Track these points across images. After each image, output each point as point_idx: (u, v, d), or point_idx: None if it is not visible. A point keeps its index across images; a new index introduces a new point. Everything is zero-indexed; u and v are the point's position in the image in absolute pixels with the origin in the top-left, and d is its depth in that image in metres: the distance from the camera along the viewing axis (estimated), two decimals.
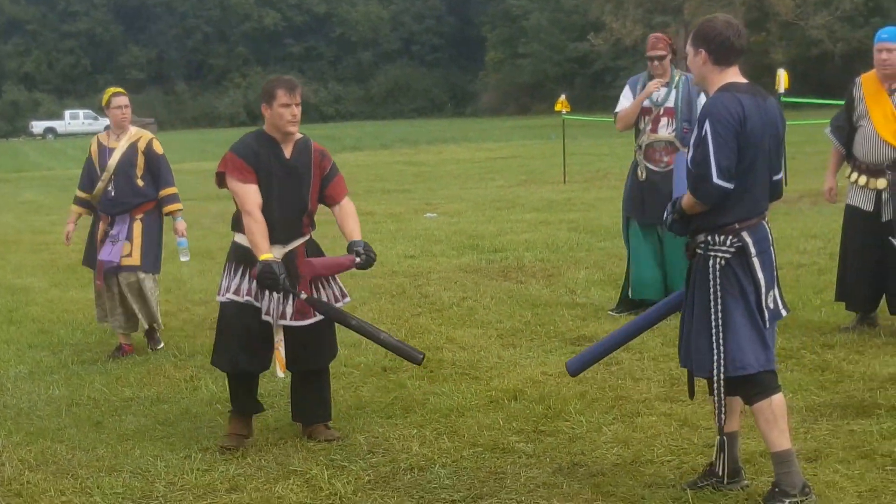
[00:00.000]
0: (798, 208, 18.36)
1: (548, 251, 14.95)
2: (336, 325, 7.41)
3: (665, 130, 10.57)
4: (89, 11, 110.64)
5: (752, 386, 5.82)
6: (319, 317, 7.23)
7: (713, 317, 5.81)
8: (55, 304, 13.02)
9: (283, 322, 7.17)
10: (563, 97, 26.90)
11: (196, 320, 11.63)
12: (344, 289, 7.54)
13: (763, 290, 5.81)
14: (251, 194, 7.06)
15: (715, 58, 5.81)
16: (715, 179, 5.64)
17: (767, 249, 5.89)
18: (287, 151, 7.24)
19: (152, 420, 8.10)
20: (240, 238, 7.25)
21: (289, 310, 7.16)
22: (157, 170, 10.15)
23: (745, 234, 5.80)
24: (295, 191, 7.22)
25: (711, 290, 5.82)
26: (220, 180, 7.29)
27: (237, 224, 7.30)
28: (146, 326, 10.21)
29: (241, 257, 7.20)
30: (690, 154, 5.80)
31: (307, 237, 7.39)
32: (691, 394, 6.19)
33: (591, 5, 77.90)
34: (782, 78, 20.25)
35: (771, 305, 5.86)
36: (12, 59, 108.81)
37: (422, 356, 7.05)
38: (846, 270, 9.59)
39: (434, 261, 14.83)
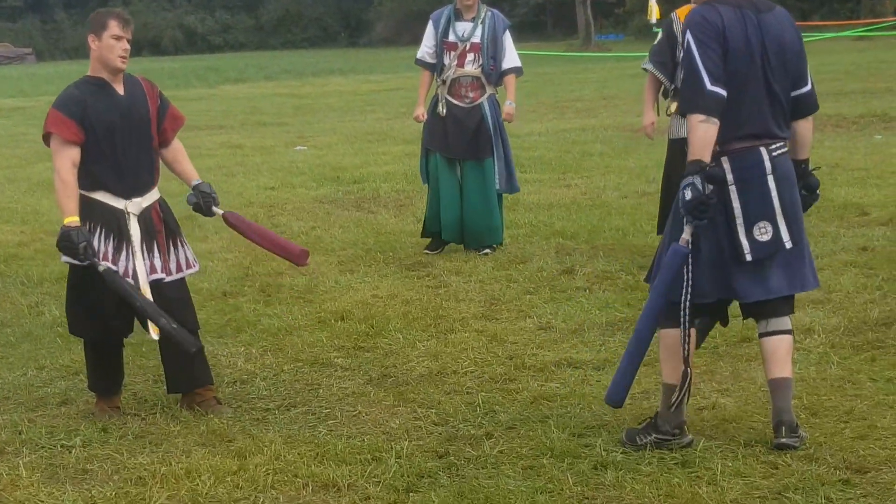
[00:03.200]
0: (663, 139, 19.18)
1: (405, 182, 15.66)
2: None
3: (472, 66, 10.87)
4: None
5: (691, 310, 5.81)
6: (187, 271, 7.19)
7: (670, 240, 5.88)
8: None
9: (154, 277, 6.95)
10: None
11: (48, 250, 12.07)
12: (194, 258, 7.34)
13: (740, 220, 5.79)
14: (67, 151, 6.75)
15: None
16: (709, 87, 5.63)
17: (755, 179, 5.81)
18: (119, 89, 6.94)
19: None
20: (82, 191, 6.83)
21: (156, 263, 6.99)
22: None
23: (724, 160, 5.79)
24: (136, 129, 6.96)
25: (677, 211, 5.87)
26: (47, 141, 6.93)
27: (79, 176, 6.82)
28: None
29: (81, 212, 6.77)
30: (682, 76, 6.00)
31: (157, 194, 7.10)
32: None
33: None
34: (654, 10, 20.95)
35: (762, 237, 5.81)
36: None
37: (195, 348, 6.84)
38: (669, 202, 10.29)
39: (292, 192, 15.50)
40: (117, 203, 6.90)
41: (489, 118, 10.87)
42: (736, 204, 5.82)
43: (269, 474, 5.86)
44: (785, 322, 6.02)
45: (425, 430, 6.44)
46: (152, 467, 6.03)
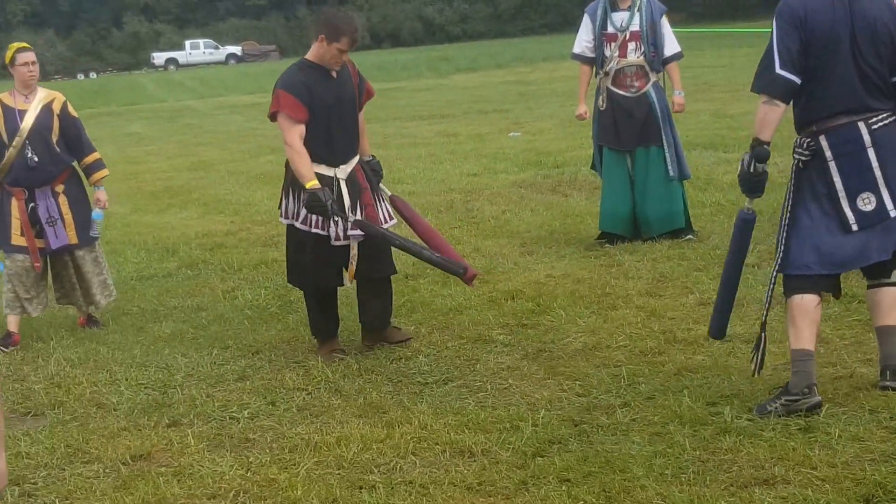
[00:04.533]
0: None
1: None
2: None
3: (634, 55, 10.87)
4: None
5: (801, 281, 6.21)
6: (391, 222, 8.25)
7: (783, 214, 6.27)
8: (130, 228, 14.46)
9: (354, 235, 7.89)
10: None
11: (252, 238, 12.96)
12: (391, 210, 8.38)
13: (842, 193, 6.09)
14: (296, 128, 7.74)
15: None
16: (778, 69, 6.01)
17: (854, 152, 6.09)
18: (333, 73, 7.94)
19: (188, 325, 9.41)
20: None
21: (381, 215, 8.16)
22: (76, 134, 9.59)
23: (821, 138, 6.11)
24: (347, 107, 8.03)
25: (788, 189, 6.28)
26: (272, 118, 8.02)
27: None
28: (99, 305, 9.75)
29: (297, 181, 7.84)
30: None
31: (358, 157, 8.22)
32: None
33: None
34: None
35: (865, 208, 6.10)
36: None
37: (463, 269, 7.91)
38: None
39: (493, 178, 15.98)
40: (328, 172, 7.91)
41: (657, 105, 10.90)
42: (836, 178, 6.13)
43: (412, 441, 6.29)
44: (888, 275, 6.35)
45: (567, 401, 6.78)
46: (308, 436, 6.55)
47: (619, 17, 10.90)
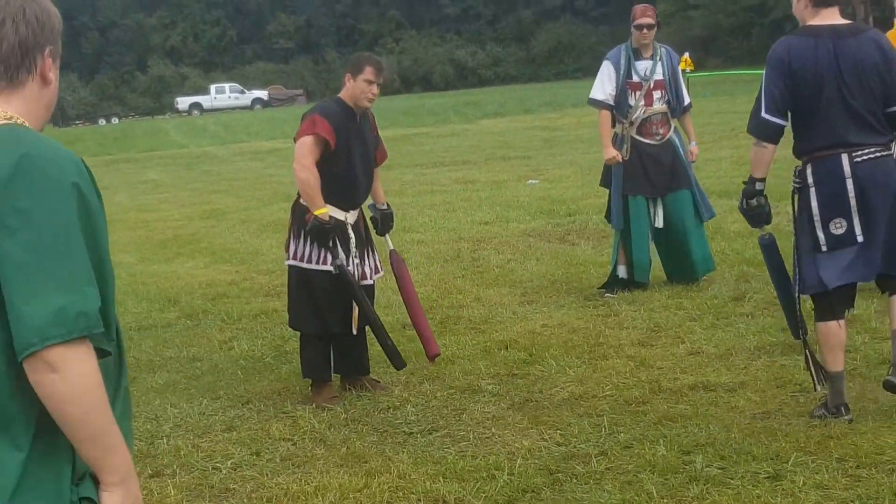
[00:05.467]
0: None
1: None
2: None
3: (659, 103, 11.13)
4: None
5: (819, 305, 7.06)
6: (380, 273, 8.68)
7: (794, 240, 7.12)
8: (135, 278, 14.76)
9: (364, 282, 8.41)
10: (686, 55, 27.92)
11: (255, 288, 13.26)
12: (379, 264, 8.77)
13: (817, 217, 6.85)
14: (317, 152, 8.08)
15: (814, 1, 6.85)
16: (763, 113, 6.81)
17: (832, 181, 6.80)
18: (358, 116, 8.36)
19: (181, 375, 9.67)
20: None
21: (367, 270, 8.50)
22: None
23: (808, 167, 6.91)
24: (364, 152, 8.42)
25: (792, 215, 7.15)
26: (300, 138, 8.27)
27: None
28: None
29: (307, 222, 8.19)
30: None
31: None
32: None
33: None
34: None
35: (836, 231, 6.83)
36: (157, 33, 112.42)
37: (403, 366, 8.53)
38: None
39: (504, 226, 16.25)
40: (340, 215, 8.25)
41: (680, 150, 11.25)
42: (814, 202, 6.88)
43: (389, 491, 6.55)
44: None
45: (546, 450, 7.02)
46: (287, 486, 6.79)
47: (643, 66, 11.13)
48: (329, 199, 8.16)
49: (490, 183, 22.48)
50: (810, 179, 6.90)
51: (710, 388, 7.84)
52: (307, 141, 8.10)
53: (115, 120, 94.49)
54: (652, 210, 11.27)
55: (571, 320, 10.19)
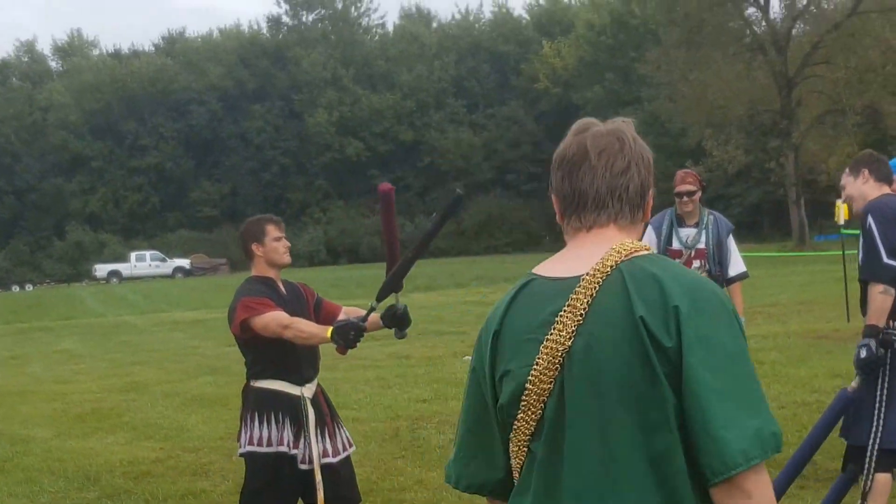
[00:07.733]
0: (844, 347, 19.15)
1: None
2: None
3: (698, 272, 10.84)
4: (158, 145, 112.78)
5: (887, 458, 7.28)
6: (351, 449, 7.95)
7: (878, 391, 7.31)
8: (51, 454, 14.26)
9: (325, 460, 7.65)
10: (840, 202, 27.74)
11: (180, 466, 12.80)
12: (350, 438, 8.05)
13: None
14: (280, 314, 7.39)
15: (876, 176, 7.38)
16: (885, 259, 7.10)
17: None
18: (282, 287, 7.80)
19: None
20: (260, 383, 7.66)
21: (328, 446, 7.70)
22: None
23: None
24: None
25: (882, 370, 7.35)
26: (245, 328, 7.51)
27: (255, 369, 7.71)
28: None
29: (261, 403, 7.59)
30: (860, 255, 7.28)
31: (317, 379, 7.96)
32: (844, 467, 7.59)
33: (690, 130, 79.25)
34: (841, 211, 21.00)
35: None
36: (76, 198, 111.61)
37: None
38: None
39: (443, 404, 15.89)
40: (294, 390, 7.67)
41: None
42: None
43: None
44: None
45: None
46: None
47: (686, 234, 10.76)
48: (277, 375, 7.64)
49: (425, 359, 22.19)
50: None
51: None
52: (258, 320, 7.39)
53: (28, 286, 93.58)
54: None
55: None
